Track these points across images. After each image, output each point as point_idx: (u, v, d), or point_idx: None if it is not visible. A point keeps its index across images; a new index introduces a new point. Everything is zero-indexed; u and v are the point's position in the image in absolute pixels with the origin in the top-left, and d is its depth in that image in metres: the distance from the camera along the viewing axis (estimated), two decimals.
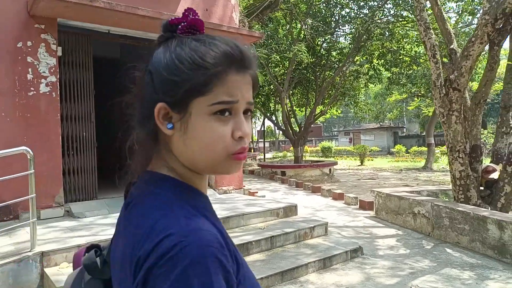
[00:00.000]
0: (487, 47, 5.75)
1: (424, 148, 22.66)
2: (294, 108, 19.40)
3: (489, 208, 5.31)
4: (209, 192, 6.46)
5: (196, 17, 0.68)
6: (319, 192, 9.75)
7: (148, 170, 0.69)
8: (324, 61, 15.98)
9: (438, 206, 5.22)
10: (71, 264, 0.74)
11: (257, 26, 14.39)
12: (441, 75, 5.65)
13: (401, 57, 14.25)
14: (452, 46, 5.95)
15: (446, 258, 4.43)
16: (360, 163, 22.51)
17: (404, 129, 43.88)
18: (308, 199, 9.01)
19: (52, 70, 5.08)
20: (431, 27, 5.82)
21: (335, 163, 14.83)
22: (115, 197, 5.83)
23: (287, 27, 14.52)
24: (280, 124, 16.44)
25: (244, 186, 7.88)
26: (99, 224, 4.56)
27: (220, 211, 5.21)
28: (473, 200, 5.41)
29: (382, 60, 15.02)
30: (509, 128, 5.69)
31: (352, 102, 18.54)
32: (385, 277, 3.95)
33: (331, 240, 4.90)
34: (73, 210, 5.09)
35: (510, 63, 5.80)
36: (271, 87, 15.41)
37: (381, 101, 40.70)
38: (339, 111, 31.28)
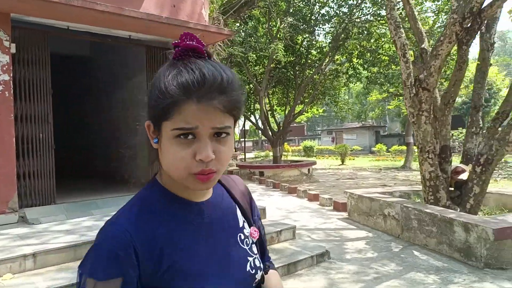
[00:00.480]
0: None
1: (405, 147, 22.88)
2: (276, 107, 19.30)
3: (458, 209, 5.26)
4: None
5: (191, 42, 0.72)
6: (295, 193, 9.64)
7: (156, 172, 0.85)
8: (303, 59, 15.89)
9: (407, 208, 5.15)
10: (16, 276, 1.08)
11: (237, 24, 14.22)
12: (411, 74, 5.57)
13: (379, 56, 14.26)
14: (423, 46, 5.89)
15: (412, 262, 4.34)
16: (341, 163, 22.56)
17: (386, 128, 44.33)
18: (283, 200, 8.88)
19: (5, 68, 4.80)
20: (401, 26, 5.74)
21: (314, 163, 14.77)
22: (76, 201, 5.58)
23: (267, 25, 14.37)
24: (259, 124, 16.31)
25: None
26: (53, 231, 4.31)
27: None
28: (442, 201, 5.36)
29: (361, 60, 15.01)
30: (478, 128, 5.66)
31: (332, 101, 18.54)
32: (349, 282, 3.83)
33: (298, 244, 4.76)
34: (28, 216, 4.82)
35: (479, 63, 5.77)
36: (251, 86, 15.24)
37: (362, 100, 41.01)
38: (321, 110, 31.34)
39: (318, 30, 15.51)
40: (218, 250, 0.81)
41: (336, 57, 16.03)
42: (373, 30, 13.13)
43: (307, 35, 13.88)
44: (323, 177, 15.31)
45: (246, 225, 0.91)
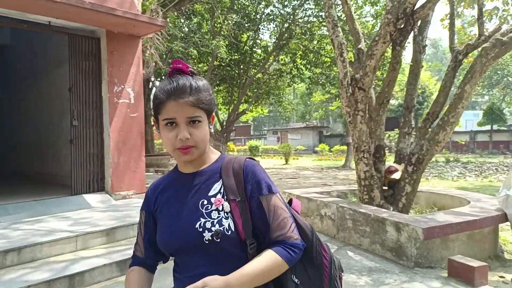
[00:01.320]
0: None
1: (346, 147, 23.60)
2: (220, 106, 18.97)
3: (391, 208, 5.33)
4: (103, 199, 5.75)
5: (179, 66, 1.12)
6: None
7: None
8: (248, 58, 15.75)
9: (342, 207, 5.10)
10: None
11: (181, 20, 13.70)
12: (348, 74, 5.56)
13: (321, 57, 14.50)
14: (359, 46, 5.91)
15: (346, 263, 4.27)
16: (285, 162, 22.76)
17: (329, 128, 45.71)
18: None
19: None
20: (339, 25, 5.71)
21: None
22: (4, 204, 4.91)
23: (211, 22, 14.02)
24: None
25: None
26: None
27: (107, 220, 4.58)
28: (376, 200, 5.39)
29: (305, 60, 15.17)
30: (410, 129, 5.78)
31: (277, 101, 18.61)
32: None
33: None
34: None
35: (412, 64, 5.90)
36: None
37: (307, 101, 41.93)
38: (266, 111, 31.53)
39: (262, 29, 15.46)
40: (183, 207, 1.14)
41: (281, 57, 16.07)
42: (315, 31, 13.28)
43: (251, 33, 13.73)
44: None
45: (219, 195, 1.14)
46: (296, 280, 1.14)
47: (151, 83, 14.59)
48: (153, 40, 9.78)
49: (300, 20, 13.31)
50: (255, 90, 17.74)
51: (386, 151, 5.87)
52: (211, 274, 1.00)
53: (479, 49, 5.07)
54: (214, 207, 1.10)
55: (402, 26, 5.03)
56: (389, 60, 5.65)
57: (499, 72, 33.79)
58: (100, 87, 6.01)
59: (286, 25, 12.77)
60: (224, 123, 15.10)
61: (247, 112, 17.09)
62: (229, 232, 1.07)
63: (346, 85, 5.50)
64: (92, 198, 5.65)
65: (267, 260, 1.06)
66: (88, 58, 5.91)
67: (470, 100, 5.17)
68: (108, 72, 5.91)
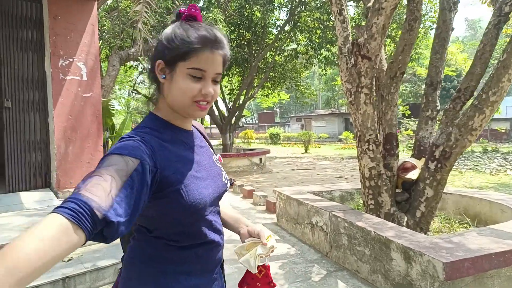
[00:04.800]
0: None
1: None
2: (236, 91, 17.74)
3: (405, 219, 3.96)
4: (44, 197, 4.69)
5: (196, 11, 1.02)
6: (231, 188, 8.23)
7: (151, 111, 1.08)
8: (260, 38, 14.37)
9: (336, 218, 3.79)
10: None
11: None
12: (349, 38, 4.17)
13: None
14: (369, 4, 4.49)
15: None
16: (304, 151, 21.35)
17: None
18: None
19: None
20: None
21: (267, 152, 13.37)
22: None
23: None
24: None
25: None
26: None
27: (19, 231, 3.48)
28: (385, 207, 4.03)
29: (320, 39, 13.62)
30: (435, 112, 4.34)
31: (293, 85, 17.15)
32: None
33: None
34: None
35: (438, 25, 4.41)
36: None
37: (332, 86, 39.90)
38: (287, 96, 29.94)
39: (274, 1, 13.98)
40: (204, 162, 1.09)
41: (297, 36, 14.61)
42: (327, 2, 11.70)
43: (258, 7, 12.31)
44: (278, 167, 13.98)
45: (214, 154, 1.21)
46: None
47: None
48: (140, 13, 8.61)
49: None
50: (271, 74, 16.37)
51: (400, 143, 4.46)
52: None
53: None
54: (219, 163, 1.20)
55: None
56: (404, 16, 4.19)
57: None
58: (43, 61, 4.91)
59: None
60: (230, 109, 13.83)
61: (255, 97, 15.73)
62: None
63: (346, 54, 4.13)
64: (29, 197, 4.60)
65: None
66: (26, 24, 4.80)
67: None
68: (51, 41, 4.78)
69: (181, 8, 1.03)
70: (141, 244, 1.02)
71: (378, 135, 4.14)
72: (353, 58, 4.04)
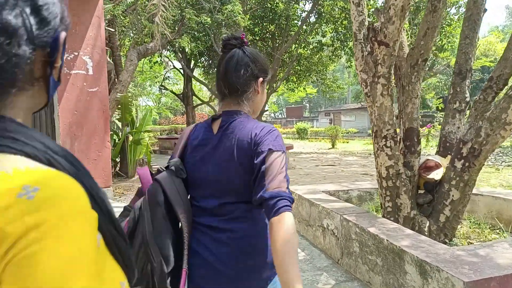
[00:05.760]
0: None
1: None
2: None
3: (427, 224, 3.54)
4: None
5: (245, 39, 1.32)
6: None
7: (233, 109, 1.29)
8: (283, 30, 13.98)
9: (347, 221, 3.43)
10: None
11: None
12: (365, 23, 3.77)
13: None
14: None
15: None
16: (331, 146, 20.79)
17: None
18: None
19: None
20: None
21: (290, 147, 13.00)
22: None
23: None
24: None
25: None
26: None
27: None
28: (404, 210, 3.63)
29: (346, 30, 13.07)
30: (464, 104, 3.87)
31: (319, 78, 16.65)
32: None
33: None
34: None
35: (468, 7, 3.91)
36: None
37: None
38: (315, 90, 29.29)
39: None
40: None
41: (325, 29, 14.11)
42: None
43: None
44: (302, 162, 13.59)
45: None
46: None
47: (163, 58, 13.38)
48: (158, 7, 8.46)
49: None
50: (296, 67, 15.97)
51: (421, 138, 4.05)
52: None
53: None
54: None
55: None
56: None
57: None
58: None
59: None
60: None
61: (276, 90, 15.35)
62: None
63: (361, 40, 3.74)
64: None
65: (279, 235, 1.25)
66: None
67: None
68: None
69: (242, 35, 1.32)
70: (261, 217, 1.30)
71: (398, 130, 3.74)
72: (369, 44, 3.65)
